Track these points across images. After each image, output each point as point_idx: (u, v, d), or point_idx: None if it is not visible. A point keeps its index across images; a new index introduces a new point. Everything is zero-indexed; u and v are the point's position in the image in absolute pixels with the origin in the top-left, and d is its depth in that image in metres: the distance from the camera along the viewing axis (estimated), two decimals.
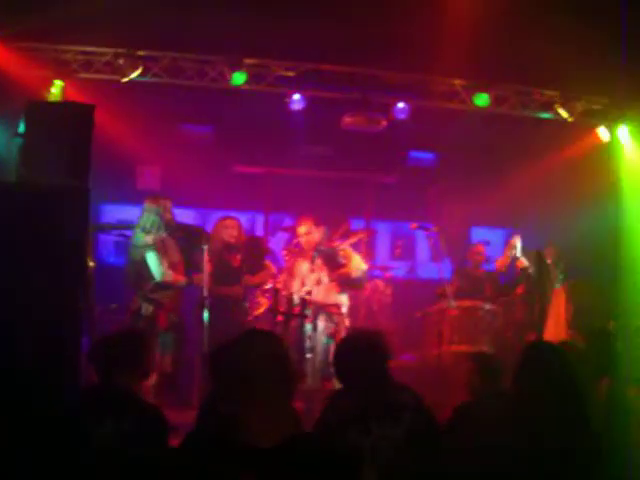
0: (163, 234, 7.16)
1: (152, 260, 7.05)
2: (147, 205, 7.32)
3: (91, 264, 6.43)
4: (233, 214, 8.39)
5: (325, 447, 2.96)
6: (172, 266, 7.15)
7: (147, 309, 7.04)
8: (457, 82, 9.21)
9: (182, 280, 7.15)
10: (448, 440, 3.65)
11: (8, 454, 3.12)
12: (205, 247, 7.01)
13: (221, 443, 2.82)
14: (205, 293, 6.85)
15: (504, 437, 3.44)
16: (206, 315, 6.75)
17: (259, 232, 10.74)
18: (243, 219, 8.94)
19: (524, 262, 8.45)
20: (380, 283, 9.81)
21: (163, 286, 7.06)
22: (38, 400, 4.51)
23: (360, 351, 3.50)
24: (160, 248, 7.10)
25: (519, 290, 8.73)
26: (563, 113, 9.40)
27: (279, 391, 2.88)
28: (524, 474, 3.37)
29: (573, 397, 3.54)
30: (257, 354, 2.81)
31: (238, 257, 7.67)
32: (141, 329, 5.84)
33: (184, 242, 7.46)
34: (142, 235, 7.19)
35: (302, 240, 7.77)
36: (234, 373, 2.87)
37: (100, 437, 3.50)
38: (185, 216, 9.60)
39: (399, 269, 10.58)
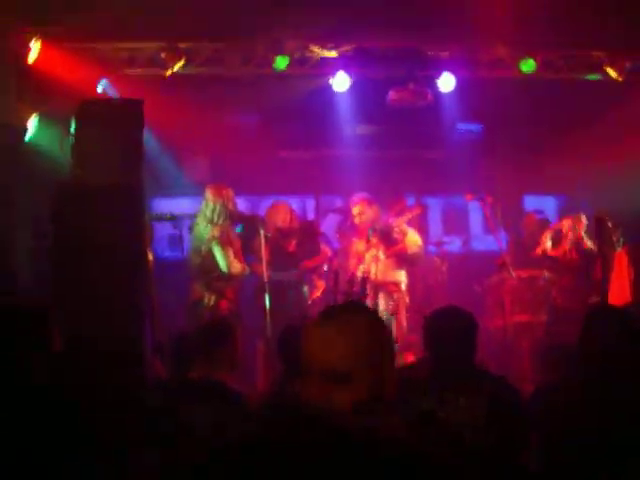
0: (227, 225, 7.22)
1: (219, 253, 7.10)
2: (209, 195, 7.30)
3: (150, 257, 6.48)
4: (283, 199, 8.39)
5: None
6: (236, 256, 7.21)
7: (210, 299, 7.10)
8: (502, 50, 9.06)
9: (246, 270, 7.21)
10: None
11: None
12: (262, 233, 7.06)
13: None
14: (265, 279, 6.88)
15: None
16: (267, 301, 6.79)
17: (310, 215, 10.73)
18: (294, 203, 8.93)
19: (588, 243, 8.25)
20: (436, 259, 9.74)
21: (226, 276, 7.12)
22: (106, 397, 4.58)
23: (455, 321, 3.50)
24: (225, 240, 7.15)
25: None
26: (612, 73, 9.17)
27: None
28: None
29: None
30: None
31: (293, 242, 7.69)
32: (226, 321, 5.89)
33: (241, 230, 7.52)
34: (208, 227, 7.19)
35: (356, 220, 7.74)
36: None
37: (198, 426, 3.53)
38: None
39: (453, 243, 10.49)
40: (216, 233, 7.13)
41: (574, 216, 8.53)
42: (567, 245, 8.29)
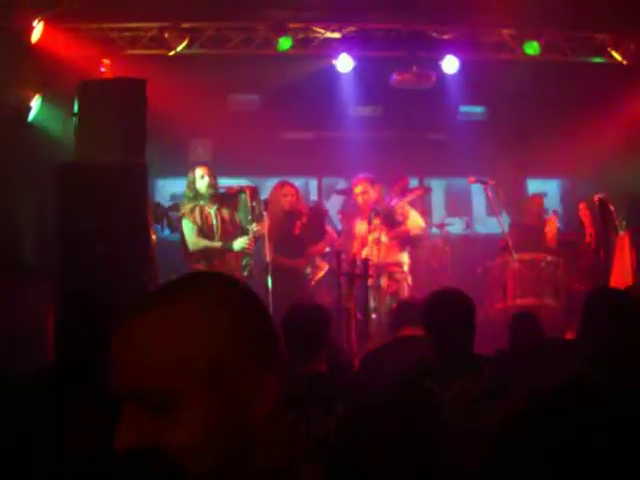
0: (196, 203, 7.27)
1: (185, 229, 7.22)
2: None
3: (153, 237, 6.50)
4: (289, 180, 8.38)
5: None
6: (208, 233, 7.22)
7: None
8: (506, 32, 9.02)
9: (216, 245, 7.22)
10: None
11: None
12: (250, 204, 7.13)
13: None
14: (268, 259, 6.89)
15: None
16: (269, 281, 6.80)
17: (313, 197, 10.74)
18: (297, 185, 8.91)
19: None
20: (438, 241, 9.75)
21: (206, 255, 7.17)
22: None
23: (455, 303, 3.51)
24: (191, 217, 7.21)
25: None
26: (616, 56, 9.13)
27: None
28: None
29: None
30: None
31: (299, 224, 7.68)
32: None
33: (235, 205, 7.53)
34: (181, 207, 7.37)
35: (359, 200, 7.74)
36: None
37: None
38: None
39: (455, 226, 10.49)
40: (183, 210, 7.27)
41: (587, 200, 8.50)
42: (589, 228, 8.26)
